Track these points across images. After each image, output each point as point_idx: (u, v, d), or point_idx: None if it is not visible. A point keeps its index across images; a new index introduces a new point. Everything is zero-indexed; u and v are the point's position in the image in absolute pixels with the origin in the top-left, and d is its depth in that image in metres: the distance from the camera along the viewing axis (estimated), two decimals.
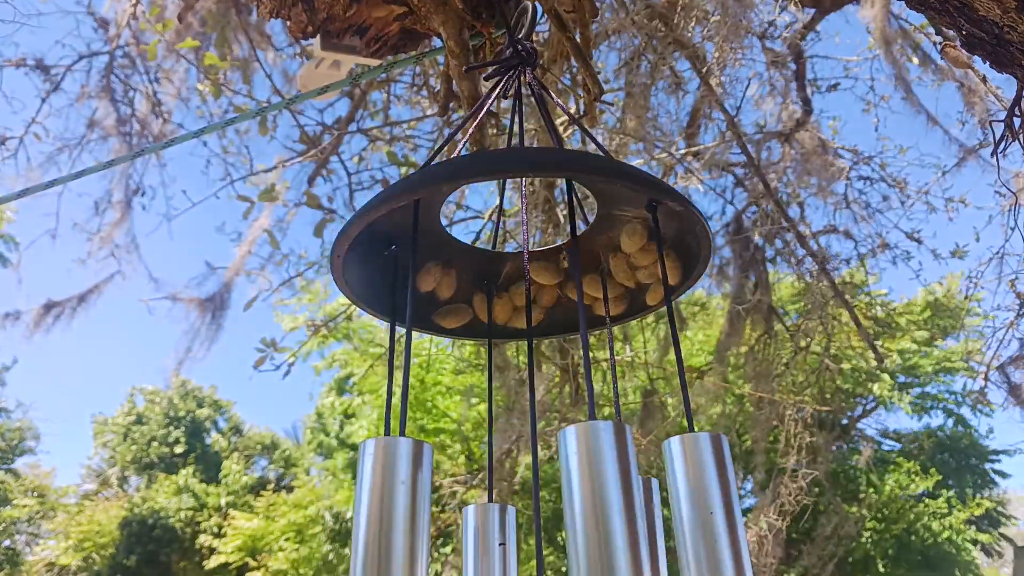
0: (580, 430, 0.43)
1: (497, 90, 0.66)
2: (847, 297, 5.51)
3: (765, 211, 6.01)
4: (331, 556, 12.31)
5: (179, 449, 17.54)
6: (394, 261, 0.61)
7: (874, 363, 10.99)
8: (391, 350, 0.58)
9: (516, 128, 0.68)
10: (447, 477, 11.74)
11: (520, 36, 0.71)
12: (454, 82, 0.85)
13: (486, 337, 0.68)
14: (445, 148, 0.69)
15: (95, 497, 18.64)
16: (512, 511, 0.60)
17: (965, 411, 12.89)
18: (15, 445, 19.22)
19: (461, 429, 10.54)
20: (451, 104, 0.97)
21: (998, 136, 0.90)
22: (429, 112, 2.35)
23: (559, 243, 0.66)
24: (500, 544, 0.56)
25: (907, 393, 12.64)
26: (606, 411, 5.18)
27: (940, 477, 12.77)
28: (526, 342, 0.63)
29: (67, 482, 22.53)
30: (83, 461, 22.78)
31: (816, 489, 10.66)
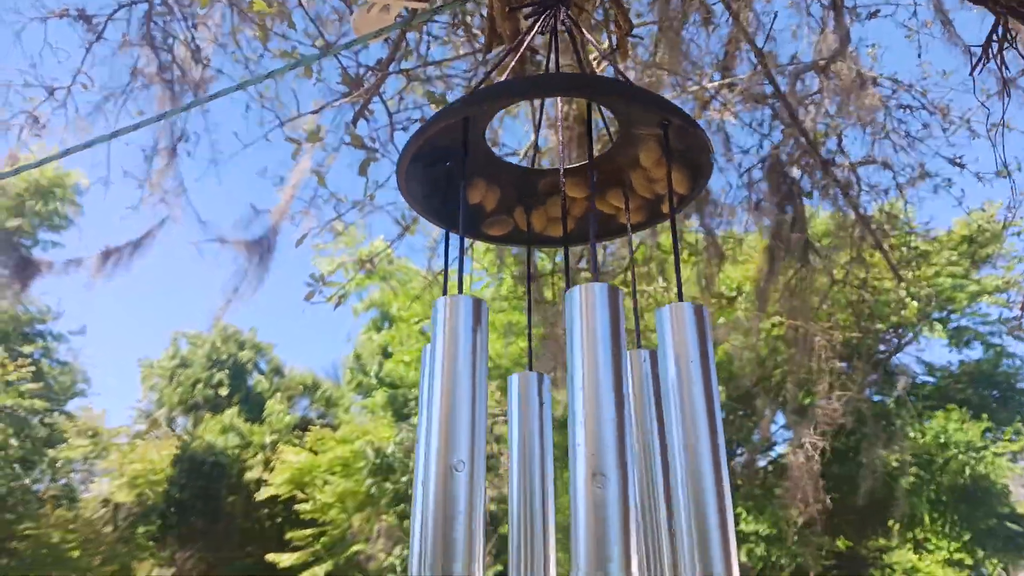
0: (583, 289, 0.55)
1: (536, 27, 0.75)
2: (874, 226, 5.49)
3: (800, 144, 5.99)
4: (373, 490, 12.74)
5: (223, 391, 18.09)
6: (447, 176, 0.71)
7: (908, 296, 10.94)
8: (446, 254, 0.69)
9: (552, 62, 0.77)
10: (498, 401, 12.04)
11: None
12: (497, 22, 0.93)
13: (526, 244, 0.78)
14: (491, 77, 0.79)
15: (146, 437, 19.38)
16: (547, 379, 0.71)
17: (1003, 340, 12.79)
18: (67, 388, 19.92)
19: (499, 365, 10.73)
20: (494, 43, 1.06)
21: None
22: (463, 52, 2.41)
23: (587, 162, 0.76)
24: (540, 403, 0.68)
25: (944, 327, 12.56)
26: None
27: (982, 422, 12.72)
28: (562, 250, 0.73)
29: (118, 423, 23.39)
30: (132, 404, 23.59)
31: (854, 428, 10.74)
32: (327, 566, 13.41)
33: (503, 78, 0.74)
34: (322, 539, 13.83)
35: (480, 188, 0.75)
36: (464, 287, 0.64)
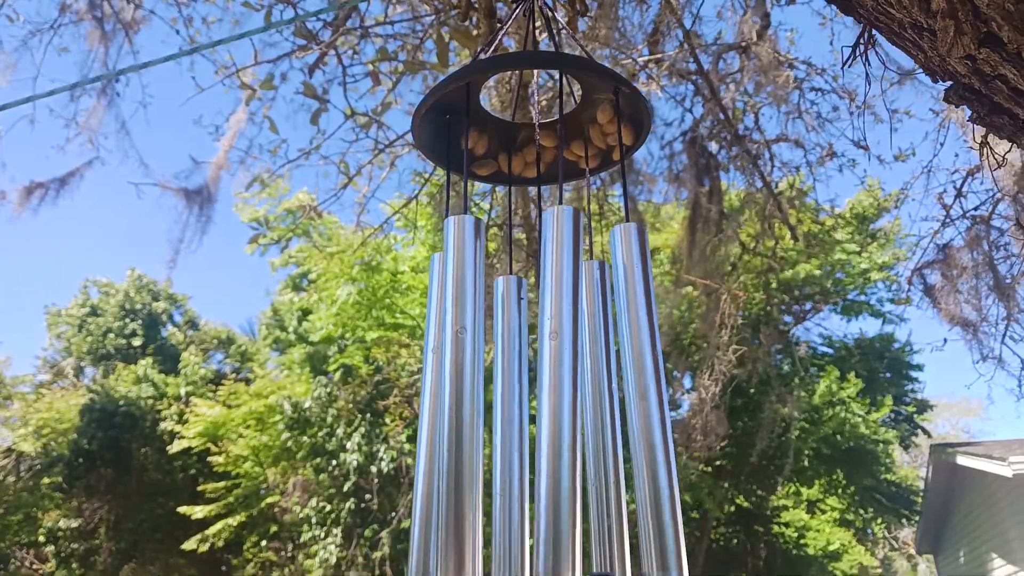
0: (555, 210, 0.76)
1: (518, 10, 0.95)
2: (781, 198, 5.88)
3: (719, 119, 6.32)
4: (290, 443, 12.79)
5: (136, 341, 17.69)
6: (448, 126, 0.90)
7: (811, 266, 11.60)
8: (447, 187, 0.88)
9: (531, 39, 0.96)
10: (403, 371, 12.22)
11: None
12: None
13: (507, 183, 0.98)
14: (484, 51, 0.98)
15: (51, 387, 18.79)
16: (524, 282, 0.92)
17: (889, 313, 13.74)
18: None
19: (420, 326, 10.90)
20: (469, 11, 1.23)
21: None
22: (419, 13, 2.54)
23: (555, 119, 0.97)
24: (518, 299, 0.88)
25: (839, 300, 13.38)
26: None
27: (863, 385, 13.65)
28: (536, 188, 0.94)
29: (21, 372, 22.54)
30: (37, 352, 22.75)
31: (755, 387, 11.39)
32: (240, 518, 13.44)
33: (492, 49, 0.93)
34: (235, 491, 13.82)
35: (472, 137, 0.94)
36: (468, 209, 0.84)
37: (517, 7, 0.96)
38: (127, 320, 17.93)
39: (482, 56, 0.95)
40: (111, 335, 17.75)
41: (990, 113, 0.86)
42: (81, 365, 18.82)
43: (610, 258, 0.86)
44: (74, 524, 15.56)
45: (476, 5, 1.12)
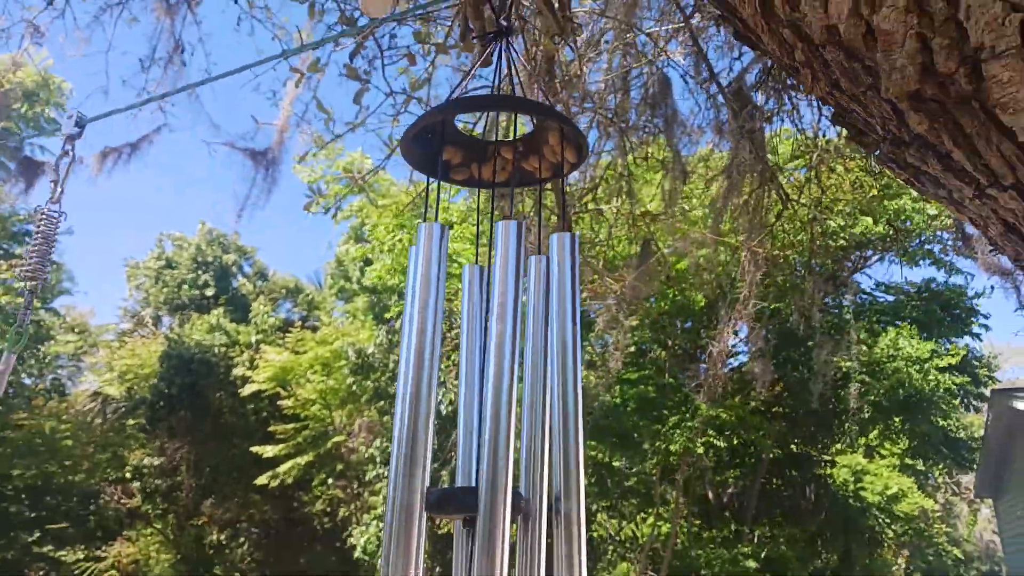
0: (503, 224, 1.02)
1: (487, 52, 1.19)
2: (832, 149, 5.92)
3: (767, 68, 6.34)
4: (354, 387, 13.40)
5: (209, 292, 18.52)
6: (429, 144, 1.16)
7: (868, 220, 11.48)
8: (427, 192, 1.14)
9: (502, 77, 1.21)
10: (457, 319, 12.61)
11: (504, 14, 1.22)
12: (471, 20, 1.35)
13: (478, 186, 1.24)
14: (460, 86, 1.23)
15: (131, 335, 19.88)
16: (485, 269, 1.17)
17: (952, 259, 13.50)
18: (52, 286, 20.23)
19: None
20: (468, 36, 1.47)
21: None
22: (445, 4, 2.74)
23: (514, 139, 1.21)
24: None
25: (900, 246, 13.19)
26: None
27: (930, 343, 13.47)
28: (501, 191, 1.20)
29: (104, 321, 23.83)
30: (118, 303, 23.97)
31: (809, 336, 11.42)
32: (309, 457, 14.20)
33: (457, 88, 1.18)
34: (303, 432, 14.58)
35: (450, 151, 1.19)
36: (439, 215, 1.10)
37: (487, 49, 1.20)
38: (200, 272, 18.77)
39: (465, 88, 1.20)
40: (185, 286, 18.63)
41: (858, 133, 1.07)
42: (159, 315, 19.83)
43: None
44: (157, 462, 16.65)
45: (473, 28, 1.34)
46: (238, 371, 15.41)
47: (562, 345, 1.06)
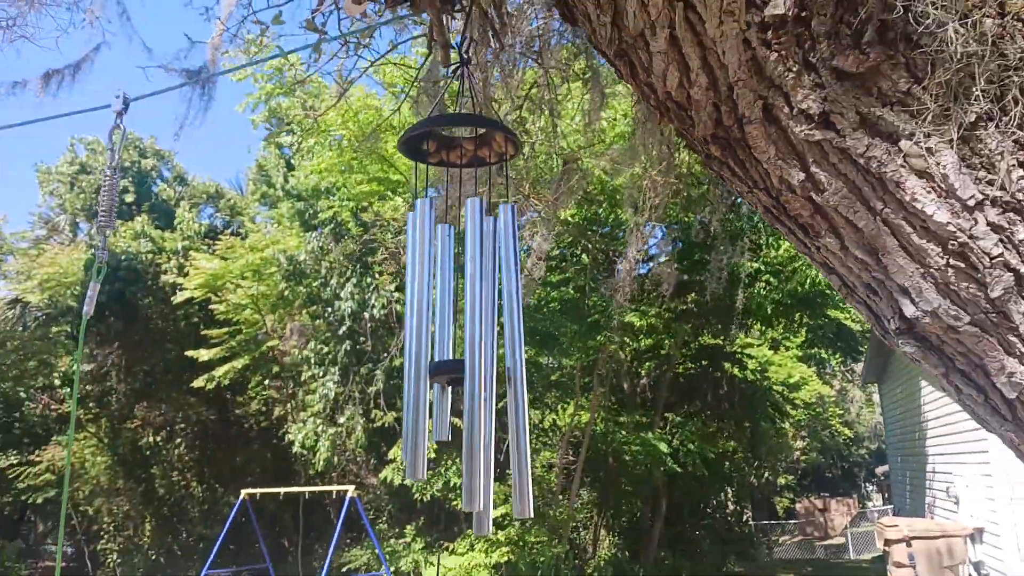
0: (471, 201, 1.56)
1: (453, 74, 1.67)
2: None
3: None
4: (287, 293, 13.77)
5: (129, 198, 18.26)
6: (417, 142, 1.67)
7: None
8: (416, 175, 1.65)
9: (467, 99, 1.69)
10: (390, 226, 12.99)
11: (466, 47, 1.69)
12: (436, 34, 1.82)
13: (447, 167, 1.75)
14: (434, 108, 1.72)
15: (47, 243, 19.51)
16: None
17: None
18: None
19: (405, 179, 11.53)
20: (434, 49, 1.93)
21: None
22: None
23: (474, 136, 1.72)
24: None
25: None
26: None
27: None
28: (461, 170, 1.72)
29: (17, 229, 23.15)
30: (32, 209, 23.21)
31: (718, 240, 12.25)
32: (244, 360, 14.62)
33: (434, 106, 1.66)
34: (237, 337, 14.94)
35: (430, 144, 1.69)
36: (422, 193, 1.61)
37: (453, 72, 1.68)
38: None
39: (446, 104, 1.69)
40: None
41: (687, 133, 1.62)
42: (76, 221, 19.46)
43: None
44: (87, 368, 16.78)
45: (439, 41, 1.80)
46: (167, 278, 15.51)
47: (508, 273, 1.62)
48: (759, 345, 22.14)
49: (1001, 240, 1.10)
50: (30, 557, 20.12)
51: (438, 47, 1.80)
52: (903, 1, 1.12)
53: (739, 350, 19.67)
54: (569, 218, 10.56)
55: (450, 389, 1.62)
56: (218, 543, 11.42)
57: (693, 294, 13.17)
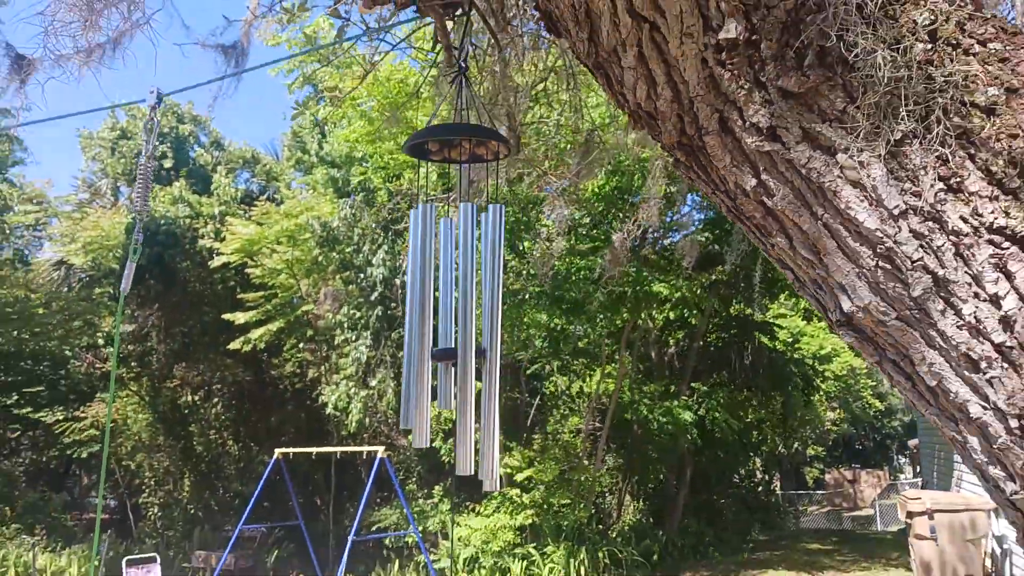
0: (463, 206, 1.71)
1: (453, 84, 1.81)
2: None
3: None
4: (320, 258, 14.07)
5: (167, 163, 18.65)
6: (421, 145, 1.83)
7: None
8: (417, 175, 1.80)
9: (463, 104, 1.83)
10: (420, 193, 13.19)
11: (463, 55, 1.83)
12: (440, 36, 1.96)
13: (447, 163, 1.90)
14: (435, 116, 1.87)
15: (90, 206, 20.04)
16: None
17: None
18: (6, 156, 20.09)
19: None
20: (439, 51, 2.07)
21: None
22: None
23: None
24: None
25: None
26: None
27: None
28: (459, 167, 1.88)
29: (62, 193, 23.78)
30: (75, 173, 23.77)
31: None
32: (279, 323, 15.01)
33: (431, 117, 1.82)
34: (273, 301, 15.31)
35: (432, 145, 1.84)
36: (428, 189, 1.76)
37: (452, 81, 1.82)
38: (156, 142, 18.81)
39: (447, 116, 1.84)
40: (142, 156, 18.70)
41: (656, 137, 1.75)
42: (117, 185, 19.95)
43: None
44: (129, 328, 17.33)
45: (443, 44, 1.94)
46: (204, 242, 15.90)
47: (492, 271, 1.79)
48: (792, 316, 22.10)
49: (921, 246, 1.24)
50: (75, 509, 21.00)
51: (443, 49, 1.95)
52: (837, 31, 1.25)
53: (770, 320, 19.65)
54: (597, 189, 10.64)
55: (453, 368, 1.81)
56: (252, 500, 11.87)
57: (720, 267, 13.19)
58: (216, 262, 15.28)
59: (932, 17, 1.27)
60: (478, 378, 1.72)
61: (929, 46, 1.26)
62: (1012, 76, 1.23)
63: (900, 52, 1.25)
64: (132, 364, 17.70)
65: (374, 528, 14.37)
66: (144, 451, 18.09)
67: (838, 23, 1.26)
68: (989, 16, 1.34)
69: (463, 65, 1.81)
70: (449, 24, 1.91)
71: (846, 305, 1.36)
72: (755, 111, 1.33)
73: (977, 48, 1.27)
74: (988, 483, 1.33)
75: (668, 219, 14.84)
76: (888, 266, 1.27)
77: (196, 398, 17.75)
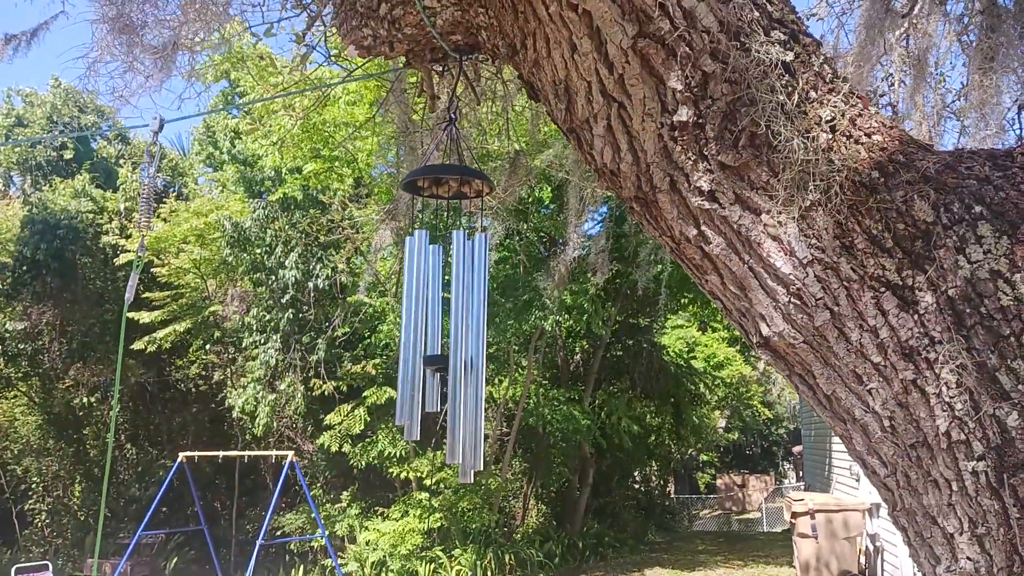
0: (456, 233, 2.02)
1: (445, 130, 2.11)
2: None
3: None
4: (230, 259, 13.90)
5: (68, 154, 17.98)
6: (412, 182, 2.12)
7: None
8: (411, 205, 2.09)
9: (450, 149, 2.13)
10: (336, 194, 13.25)
11: (453, 106, 2.13)
12: (425, 86, 2.26)
13: (436, 199, 2.19)
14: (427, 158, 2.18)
15: None
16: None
17: None
18: None
19: (356, 158, 11.80)
20: (425, 102, 2.36)
21: None
22: None
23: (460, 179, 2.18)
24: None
25: None
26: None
27: None
28: (446, 203, 2.18)
29: None
30: None
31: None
32: (185, 324, 14.73)
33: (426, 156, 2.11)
34: (179, 300, 15.02)
35: (423, 181, 2.13)
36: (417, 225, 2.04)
37: (443, 129, 2.12)
38: (55, 132, 18.11)
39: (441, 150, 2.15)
40: (39, 146, 17.98)
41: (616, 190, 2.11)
42: (10, 175, 19.06)
43: None
44: (20, 326, 16.58)
45: (428, 93, 2.23)
46: (107, 239, 15.44)
47: (480, 290, 2.10)
48: (688, 326, 23.10)
49: (823, 288, 1.63)
50: None
51: (427, 96, 2.25)
52: (765, 122, 1.63)
53: (667, 329, 20.53)
54: (518, 203, 11.03)
55: (437, 375, 2.11)
56: (153, 505, 11.68)
57: (620, 279, 13.80)
58: (121, 259, 14.86)
59: (833, 114, 1.68)
60: (466, 384, 2.03)
61: (831, 136, 1.66)
62: (888, 163, 1.64)
63: (810, 140, 1.64)
64: (22, 363, 16.94)
65: (278, 533, 14.29)
66: (32, 455, 17.34)
67: (766, 116, 1.64)
68: (874, 112, 1.76)
69: (452, 116, 2.12)
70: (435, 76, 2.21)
71: (765, 331, 1.74)
72: (699, 177, 1.70)
73: (864, 139, 1.68)
74: (867, 469, 1.73)
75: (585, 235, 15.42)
76: (798, 302, 1.66)
77: (92, 399, 17.13)
